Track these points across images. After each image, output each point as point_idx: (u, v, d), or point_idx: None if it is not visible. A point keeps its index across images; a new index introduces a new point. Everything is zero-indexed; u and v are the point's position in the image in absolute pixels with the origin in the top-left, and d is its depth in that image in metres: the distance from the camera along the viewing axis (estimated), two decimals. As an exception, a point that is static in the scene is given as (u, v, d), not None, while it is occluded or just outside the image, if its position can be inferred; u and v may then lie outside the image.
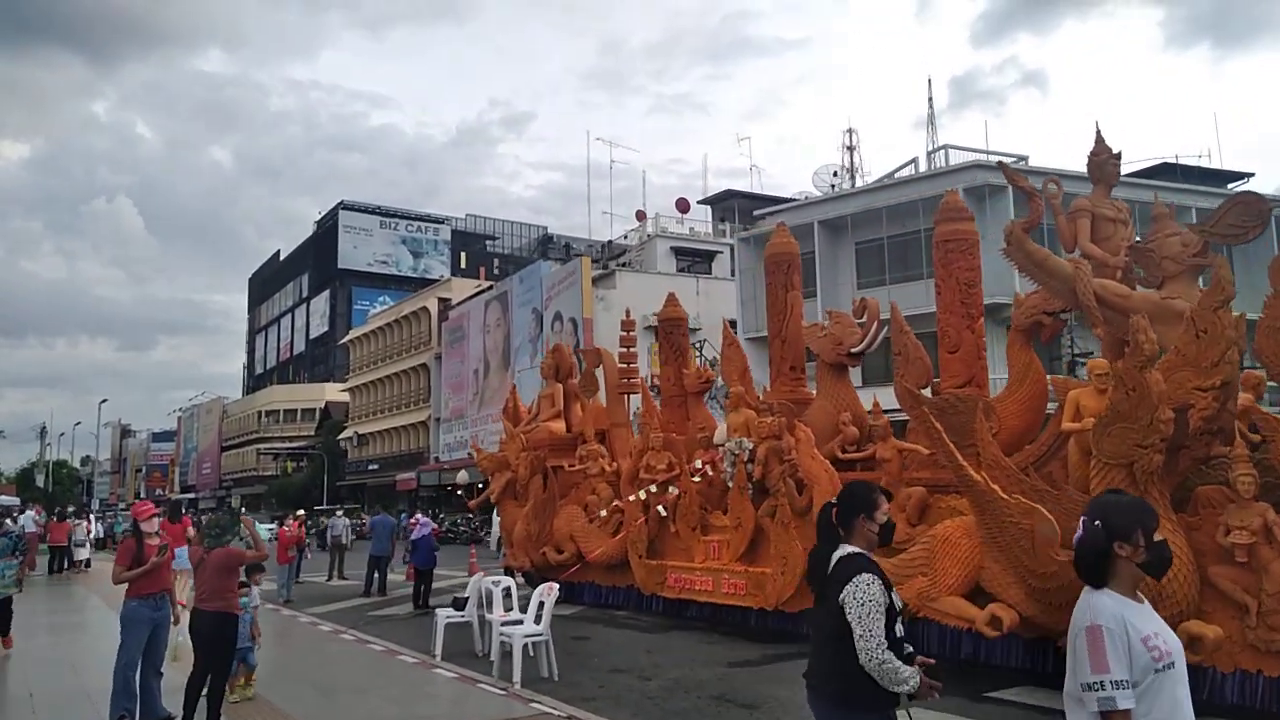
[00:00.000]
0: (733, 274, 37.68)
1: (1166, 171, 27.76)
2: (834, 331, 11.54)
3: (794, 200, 35.42)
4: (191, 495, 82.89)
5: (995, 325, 21.88)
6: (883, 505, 3.68)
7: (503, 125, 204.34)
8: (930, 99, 40.28)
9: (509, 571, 15.13)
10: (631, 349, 16.11)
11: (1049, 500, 8.14)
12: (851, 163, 40.82)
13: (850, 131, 42.47)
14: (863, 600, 3.40)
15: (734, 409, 12.04)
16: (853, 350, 11.23)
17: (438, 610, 11.30)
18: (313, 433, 70.43)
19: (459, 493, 46.10)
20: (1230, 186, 31.77)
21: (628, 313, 16.34)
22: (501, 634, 9.54)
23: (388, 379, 58.40)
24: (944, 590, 8.70)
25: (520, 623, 10.07)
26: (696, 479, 11.96)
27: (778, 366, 12.48)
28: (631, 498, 12.81)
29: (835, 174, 37.31)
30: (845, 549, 3.60)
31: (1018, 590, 8.17)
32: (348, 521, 25.44)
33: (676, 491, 12.25)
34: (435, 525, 16.93)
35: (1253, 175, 33.99)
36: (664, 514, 12.44)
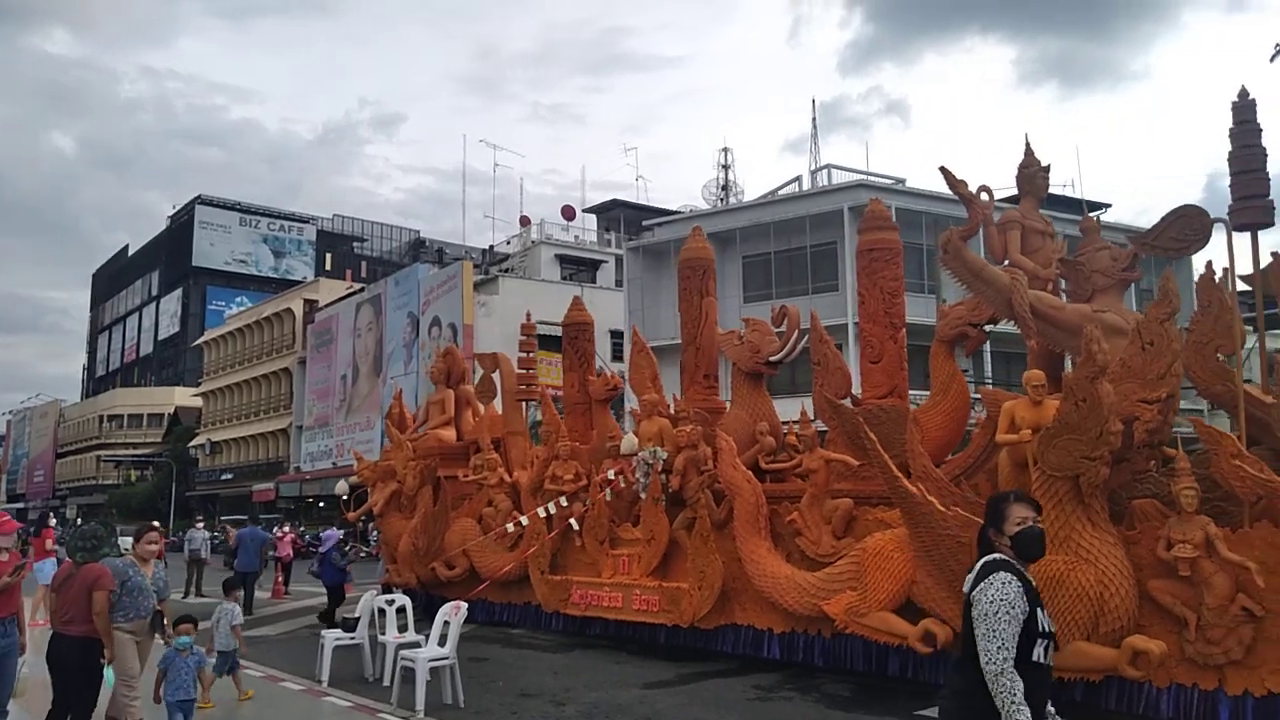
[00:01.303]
0: (618, 284, 37.39)
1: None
2: (751, 339, 11.23)
3: (680, 213, 35.42)
4: (20, 505, 76.43)
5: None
6: (1014, 514, 3.26)
7: (372, 125, 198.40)
8: (815, 119, 41.53)
9: (388, 589, 14.17)
10: (531, 354, 15.44)
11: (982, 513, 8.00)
12: (726, 181, 41.36)
13: (725, 150, 43.08)
14: (993, 598, 3.03)
15: (647, 417, 11.56)
16: (771, 359, 10.95)
17: (324, 632, 10.36)
18: (160, 439, 66.06)
19: (321, 505, 44.07)
20: (1093, 215, 33.62)
21: (528, 316, 15.67)
22: (404, 658, 8.74)
23: (246, 384, 55.33)
24: (875, 605, 8.45)
25: (419, 644, 9.32)
26: (609, 491, 11.40)
27: (690, 374, 12.09)
28: (542, 511, 12.13)
29: (724, 188, 37.63)
30: (993, 555, 3.25)
31: (952, 604, 7.97)
32: (206, 534, 23.62)
33: (589, 503, 11.65)
34: (341, 536, 15.74)
35: (1110, 206, 36.09)
36: (576, 526, 11.83)
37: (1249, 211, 7.38)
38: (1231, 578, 6.61)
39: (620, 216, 44.36)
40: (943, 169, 8.71)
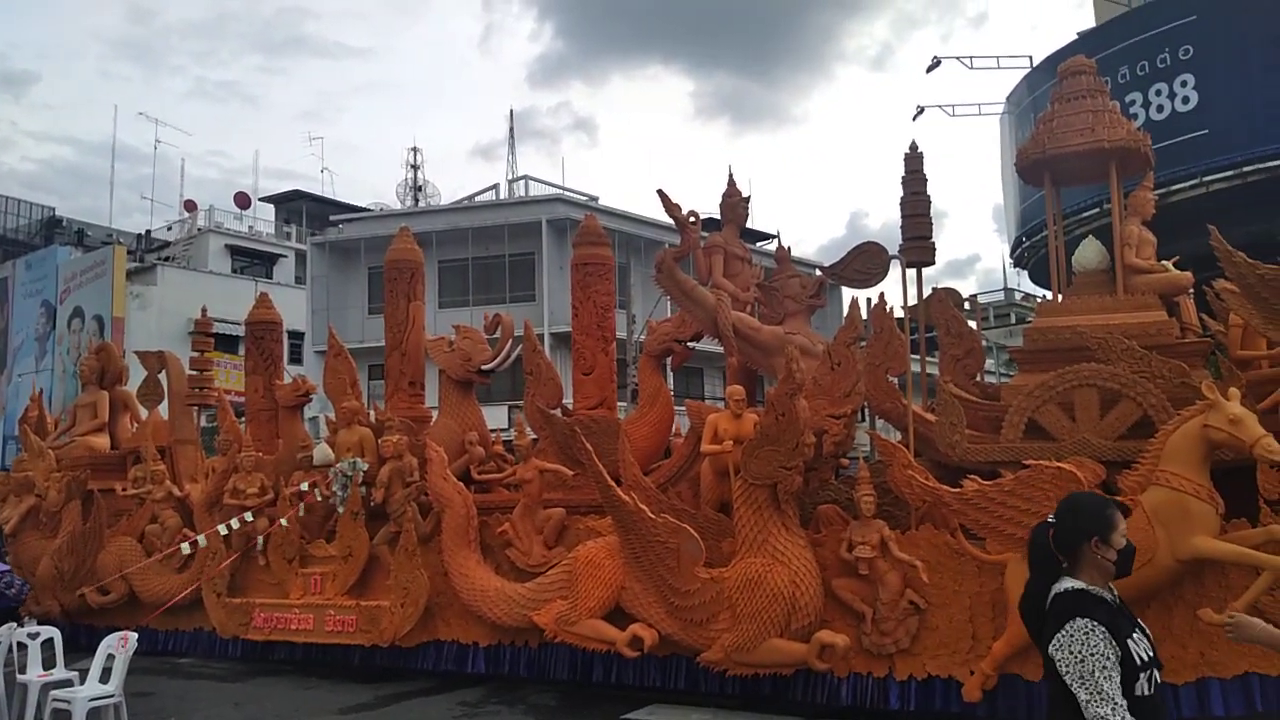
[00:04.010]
0: (298, 280, 35.20)
1: (714, 225, 31.26)
2: (463, 347, 11.01)
3: (371, 210, 34.07)
4: None
5: (568, 352, 22.77)
6: (1121, 524, 2.88)
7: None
8: (512, 129, 41.25)
9: (18, 618, 12.21)
10: (206, 353, 14.08)
11: (688, 519, 8.43)
12: (415, 181, 40.48)
13: (416, 150, 42.11)
14: (1081, 655, 2.63)
15: (346, 426, 10.93)
16: (484, 367, 10.80)
17: (-59, 677, 8.70)
18: None
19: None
20: (759, 244, 36.84)
21: (203, 311, 14.27)
22: (55, 699, 7.57)
23: None
24: (585, 613, 8.55)
25: (71, 683, 8.13)
26: (303, 505, 10.61)
27: (395, 381, 11.60)
28: (222, 528, 11.01)
29: (418, 188, 36.67)
30: (1064, 584, 2.82)
31: (659, 609, 8.30)
32: None
33: (284, 520, 10.75)
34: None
35: (776, 235, 39.69)
36: (260, 545, 10.90)
37: (916, 251, 8.40)
38: (901, 575, 7.47)
39: (303, 209, 41.73)
40: (660, 192, 9.11)
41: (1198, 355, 8.00)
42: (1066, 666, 2.66)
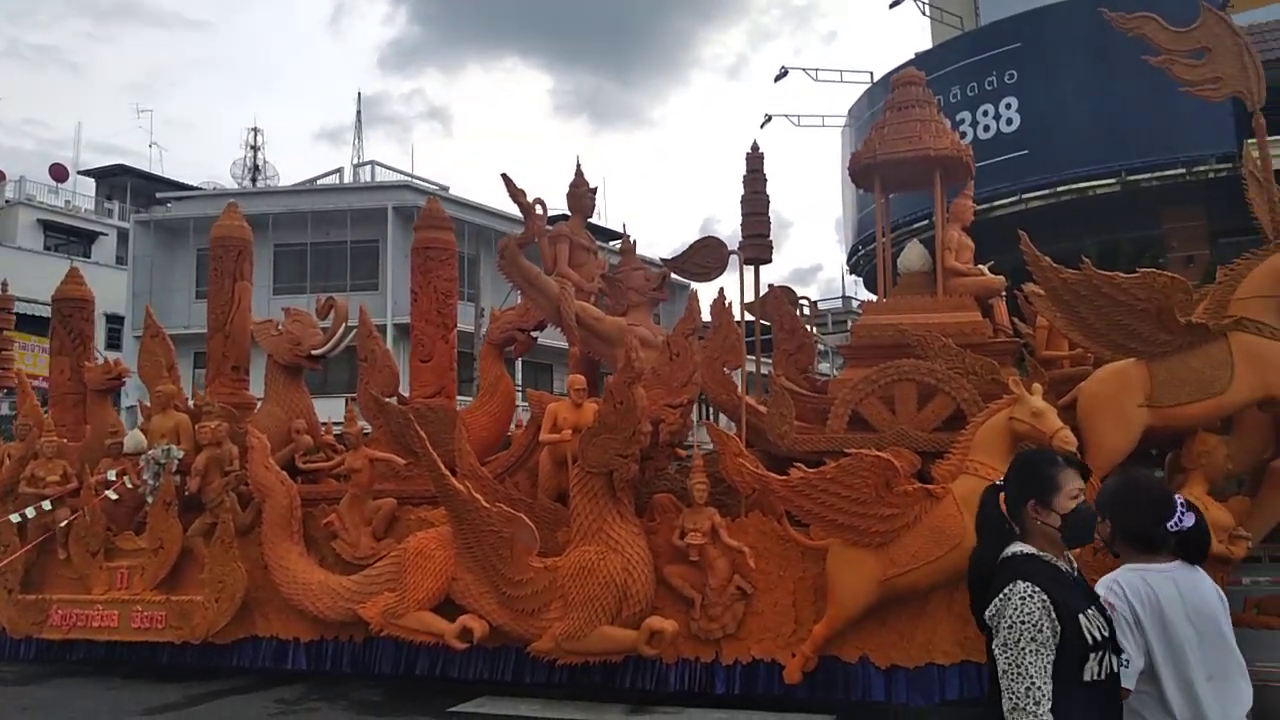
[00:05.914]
0: (119, 261, 32.90)
1: (564, 220, 31.20)
2: (292, 330, 10.51)
3: (203, 189, 32.19)
4: None
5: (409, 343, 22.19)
6: (1069, 484, 2.53)
7: None
8: (359, 113, 39.87)
9: None
10: (6, 331, 12.93)
11: (524, 509, 8.33)
12: (254, 161, 38.64)
13: (256, 130, 40.05)
14: (1011, 621, 2.32)
15: (160, 411, 10.26)
16: (314, 353, 10.34)
17: None
18: None
19: None
20: (610, 243, 37.06)
21: (4, 286, 13.08)
22: None
23: None
24: (413, 605, 8.31)
25: None
26: (113, 494, 9.87)
27: (217, 365, 10.96)
28: (16, 517, 10.10)
29: (256, 169, 34.91)
30: (1014, 549, 2.53)
31: (490, 599, 8.15)
32: None
33: (85, 511, 9.96)
34: None
35: (623, 228, 39.97)
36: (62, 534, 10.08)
37: (754, 248, 8.59)
38: (730, 561, 7.61)
39: (127, 185, 39.02)
40: (504, 176, 8.96)
41: (1008, 354, 8.51)
42: (999, 637, 2.37)
